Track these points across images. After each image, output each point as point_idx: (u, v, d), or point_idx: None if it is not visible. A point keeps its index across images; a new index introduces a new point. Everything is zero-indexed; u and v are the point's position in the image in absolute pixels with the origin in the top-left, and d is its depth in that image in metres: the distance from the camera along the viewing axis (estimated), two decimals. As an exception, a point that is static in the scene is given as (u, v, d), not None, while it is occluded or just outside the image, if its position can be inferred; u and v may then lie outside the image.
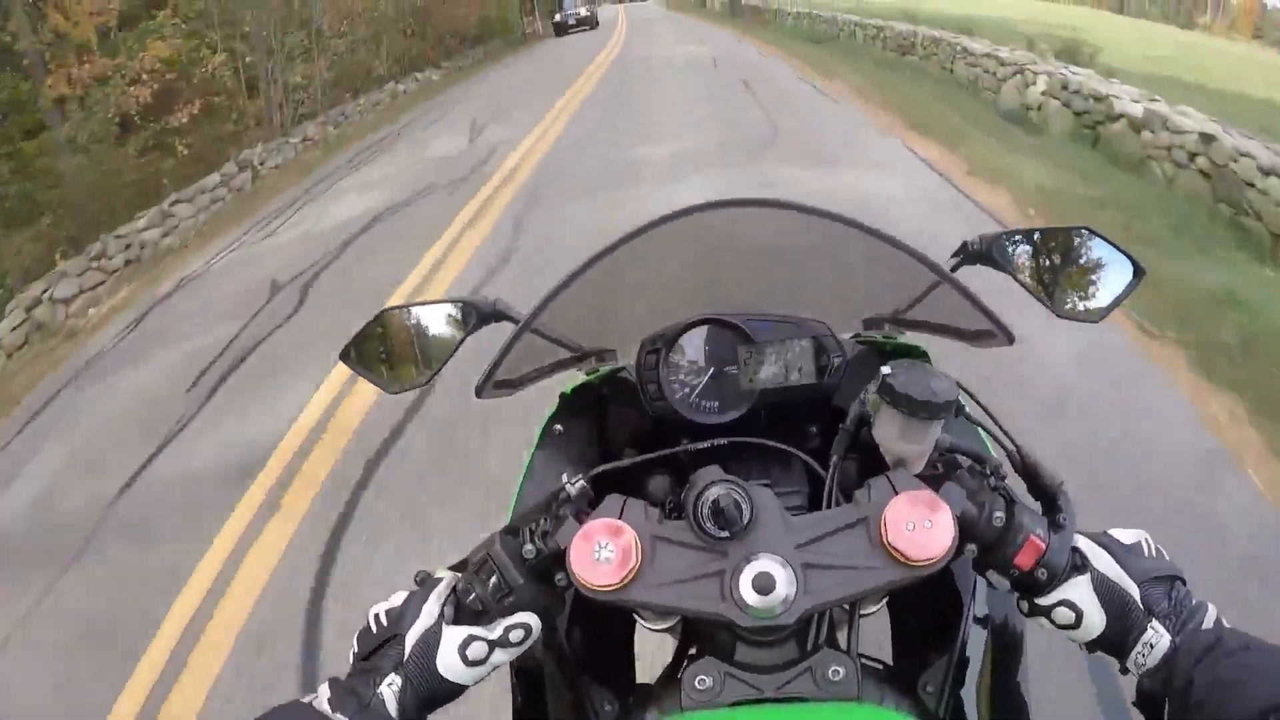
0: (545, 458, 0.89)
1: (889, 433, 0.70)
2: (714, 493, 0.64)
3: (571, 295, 0.82)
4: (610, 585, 0.63)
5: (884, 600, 0.87)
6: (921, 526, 0.62)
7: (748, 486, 0.65)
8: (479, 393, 0.85)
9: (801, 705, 0.64)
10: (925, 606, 0.87)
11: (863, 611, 0.84)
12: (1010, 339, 0.80)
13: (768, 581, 0.62)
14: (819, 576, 0.63)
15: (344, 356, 1.00)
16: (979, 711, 0.83)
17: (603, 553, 0.64)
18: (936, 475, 0.70)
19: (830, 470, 0.74)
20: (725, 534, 0.64)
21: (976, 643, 0.87)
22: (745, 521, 0.64)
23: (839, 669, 0.65)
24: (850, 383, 0.81)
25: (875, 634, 0.95)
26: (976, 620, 0.87)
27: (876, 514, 0.64)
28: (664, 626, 0.85)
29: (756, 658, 0.67)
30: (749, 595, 0.62)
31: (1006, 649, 0.89)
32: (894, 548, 0.62)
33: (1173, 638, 0.64)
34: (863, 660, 0.77)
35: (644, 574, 0.64)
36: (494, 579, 0.69)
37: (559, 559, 0.68)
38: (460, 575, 0.71)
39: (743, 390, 0.82)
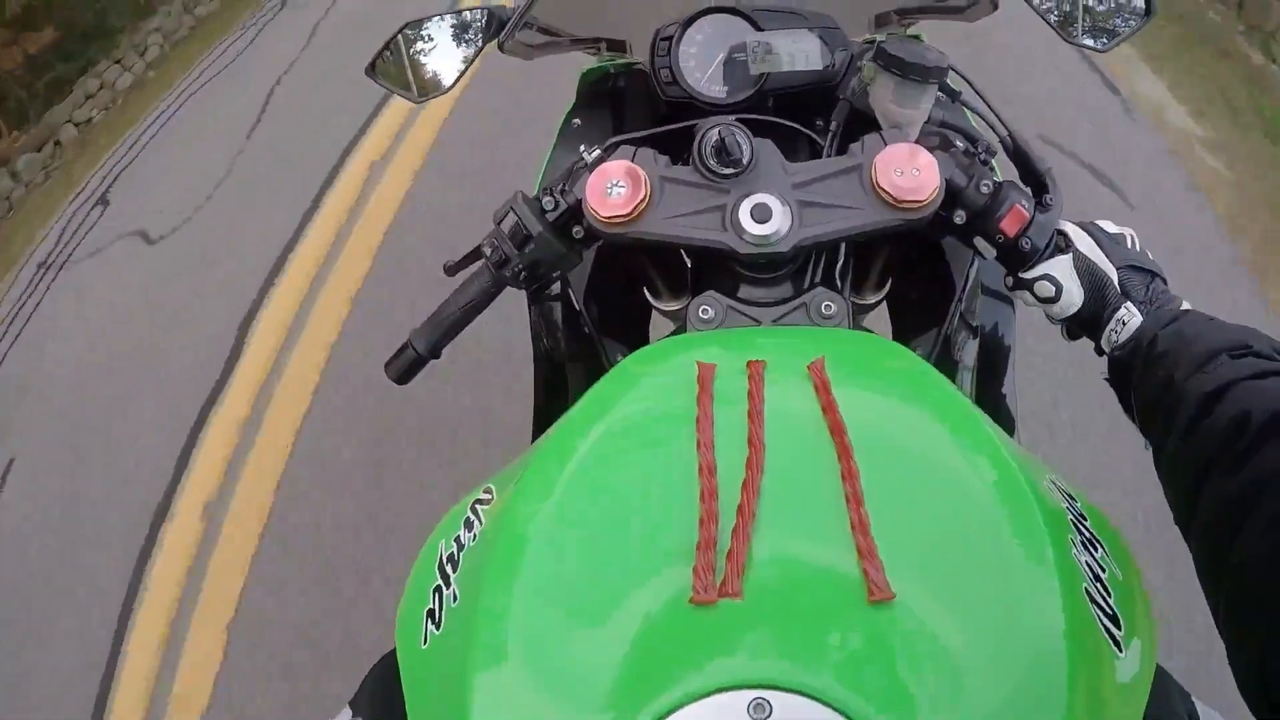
0: (564, 148, 0.95)
1: (883, 97, 0.75)
2: (717, 132, 0.69)
3: None
4: (620, 217, 0.70)
5: (884, 290, 0.94)
6: (909, 173, 0.68)
7: (749, 133, 0.70)
8: (501, 46, 0.89)
9: (794, 328, 0.72)
10: (924, 303, 0.94)
11: (862, 299, 0.91)
12: (995, 4, 0.83)
13: (765, 212, 0.68)
14: (813, 213, 0.70)
15: (369, 71, 1.04)
16: None
17: (614, 189, 0.70)
18: (930, 147, 0.75)
19: (829, 136, 0.79)
20: (727, 171, 0.70)
21: (967, 350, 0.95)
22: (746, 160, 0.69)
23: (830, 304, 0.72)
24: (855, 74, 0.85)
25: (876, 326, 1.02)
26: (967, 327, 0.95)
27: (868, 161, 0.69)
28: (674, 308, 0.93)
29: (756, 294, 0.74)
30: (748, 224, 0.68)
31: (994, 358, 0.97)
32: (883, 190, 0.68)
33: (1143, 317, 0.69)
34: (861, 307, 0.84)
35: (652, 209, 0.70)
36: (515, 229, 0.76)
37: (576, 212, 0.75)
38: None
39: (751, 76, 0.86)
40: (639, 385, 0.64)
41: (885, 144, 0.70)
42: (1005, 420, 0.96)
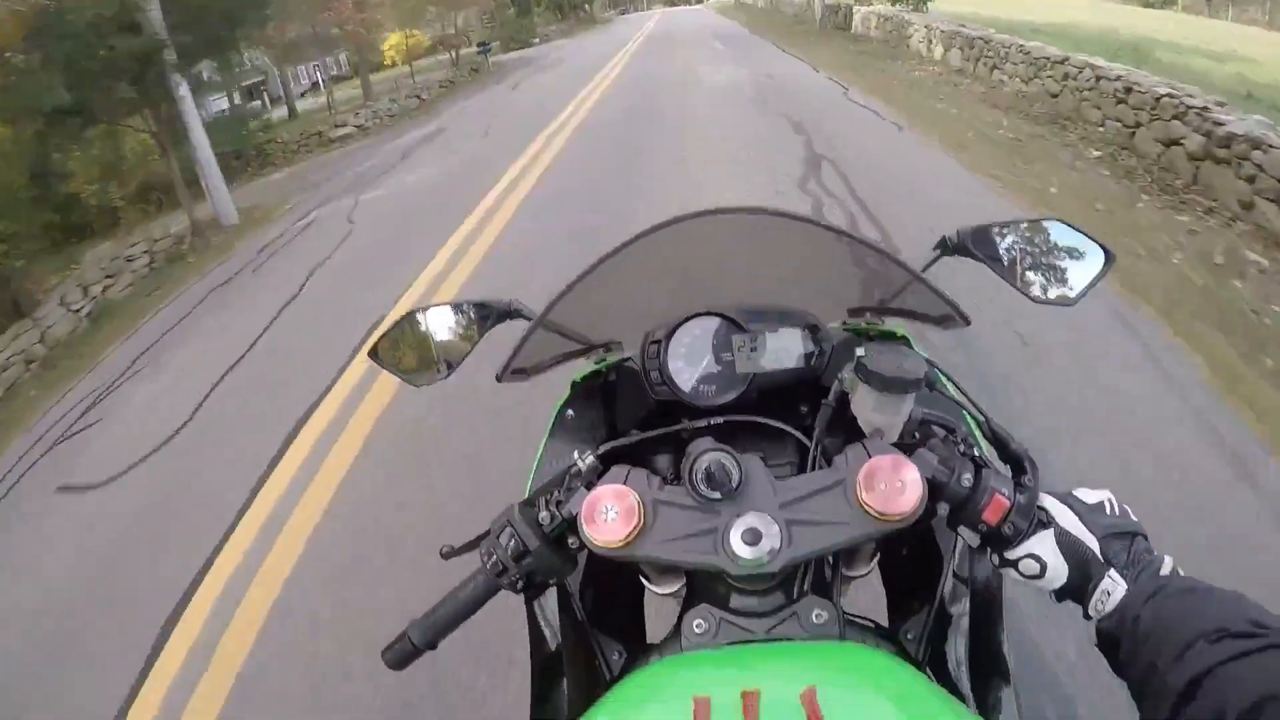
0: (558, 442, 0.98)
1: (864, 406, 0.78)
2: (707, 459, 0.72)
3: (580, 294, 0.90)
4: (616, 542, 0.71)
5: (874, 562, 0.95)
6: (892, 486, 0.70)
7: (737, 454, 0.73)
8: (499, 378, 0.94)
9: (787, 643, 0.72)
10: (913, 569, 0.94)
11: (851, 572, 0.92)
12: (967, 321, 0.88)
13: (755, 535, 0.70)
14: (801, 531, 0.71)
15: (372, 354, 1.10)
16: (961, 666, 0.90)
17: (609, 514, 0.72)
18: (910, 444, 0.78)
19: (814, 441, 0.82)
20: (717, 495, 0.72)
21: (959, 603, 0.94)
22: (735, 484, 0.72)
23: (822, 612, 0.73)
24: (836, 367, 0.89)
25: (871, 600, 1.02)
26: (958, 580, 0.94)
27: (852, 475, 0.72)
28: (669, 591, 0.93)
29: (748, 605, 0.75)
30: (739, 547, 0.70)
31: (987, 608, 0.96)
32: (867, 504, 0.70)
33: (1128, 585, 0.70)
34: (853, 617, 0.85)
35: (647, 533, 0.72)
36: (513, 542, 0.78)
37: (571, 525, 0.77)
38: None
39: (738, 375, 0.90)
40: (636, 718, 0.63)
41: (869, 456, 0.72)
42: (1001, 669, 0.94)
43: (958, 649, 0.91)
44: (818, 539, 0.71)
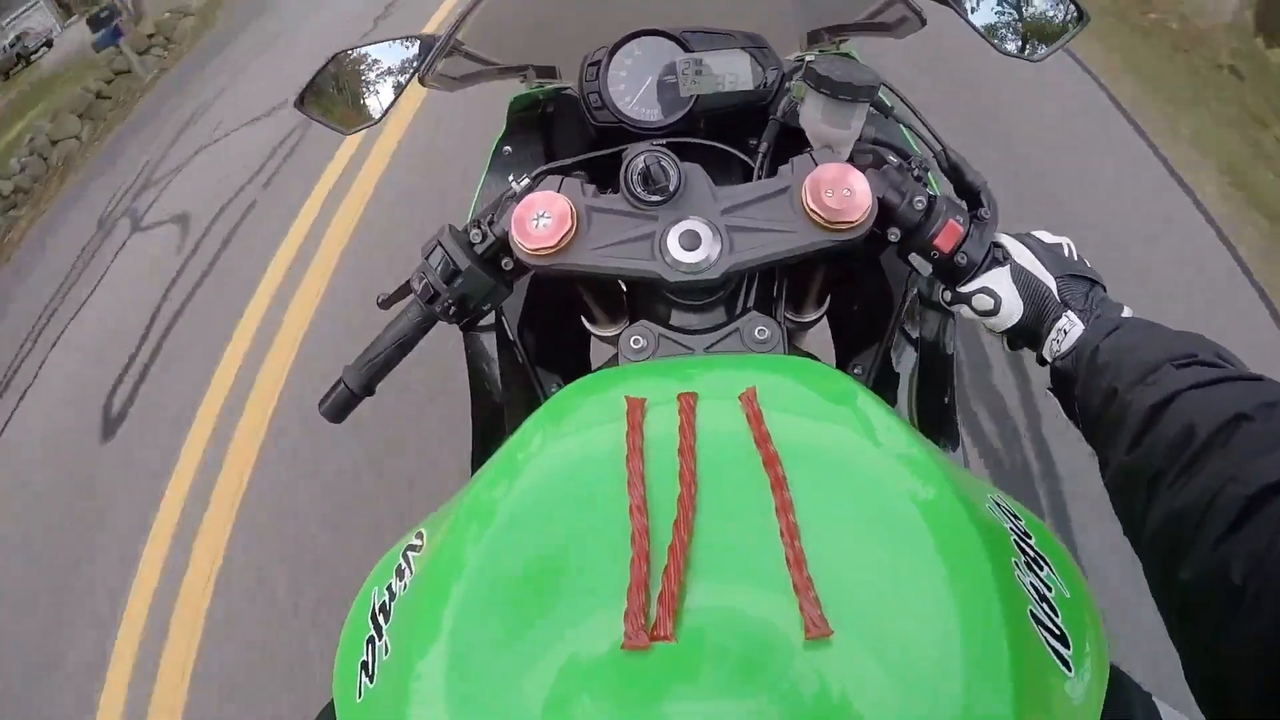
0: (495, 178, 0.93)
1: (813, 117, 0.74)
2: (644, 159, 0.68)
3: (513, 10, 0.83)
4: (547, 248, 0.68)
5: (823, 308, 0.93)
6: (840, 193, 0.67)
7: (676, 158, 0.69)
8: (422, 80, 0.87)
9: (727, 355, 0.70)
10: (863, 318, 0.93)
11: (800, 318, 0.90)
12: (923, 21, 0.83)
13: (694, 239, 0.67)
14: (743, 237, 0.68)
15: (299, 104, 1.02)
16: (910, 420, 0.90)
17: (540, 220, 0.68)
18: (862, 164, 0.74)
19: (759, 157, 0.78)
20: (655, 198, 0.68)
21: (908, 360, 0.94)
22: (674, 186, 0.68)
23: (764, 329, 0.70)
24: (786, 96, 0.84)
25: (818, 349, 1.01)
26: (907, 339, 0.94)
27: (798, 183, 0.68)
28: (611, 333, 0.91)
29: (688, 321, 0.73)
30: (676, 252, 0.67)
31: (936, 369, 0.96)
32: (814, 212, 0.67)
33: (1084, 325, 0.68)
34: (799, 350, 0.83)
35: (580, 240, 0.69)
36: (443, 264, 0.74)
37: (504, 244, 0.73)
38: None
39: (682, 98, 0.84)
40: (568, 423, 0.61)
41: (815, 164, 0.69)
42: (949, 431, 0.95)
43: (906, 408, 0.92)
44: (761, 246, 0.68)
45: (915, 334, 0.94)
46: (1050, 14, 1.03)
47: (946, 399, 0.98)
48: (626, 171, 0.68)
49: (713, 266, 0.67)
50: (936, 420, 0.96)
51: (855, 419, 0.58)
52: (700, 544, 0.48)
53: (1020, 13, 1.03)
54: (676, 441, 0.53)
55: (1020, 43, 1.01)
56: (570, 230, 0.68)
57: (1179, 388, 0.54)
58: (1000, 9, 1.01)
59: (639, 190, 0.68)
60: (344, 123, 1.02)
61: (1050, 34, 1.02)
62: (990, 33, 0.99)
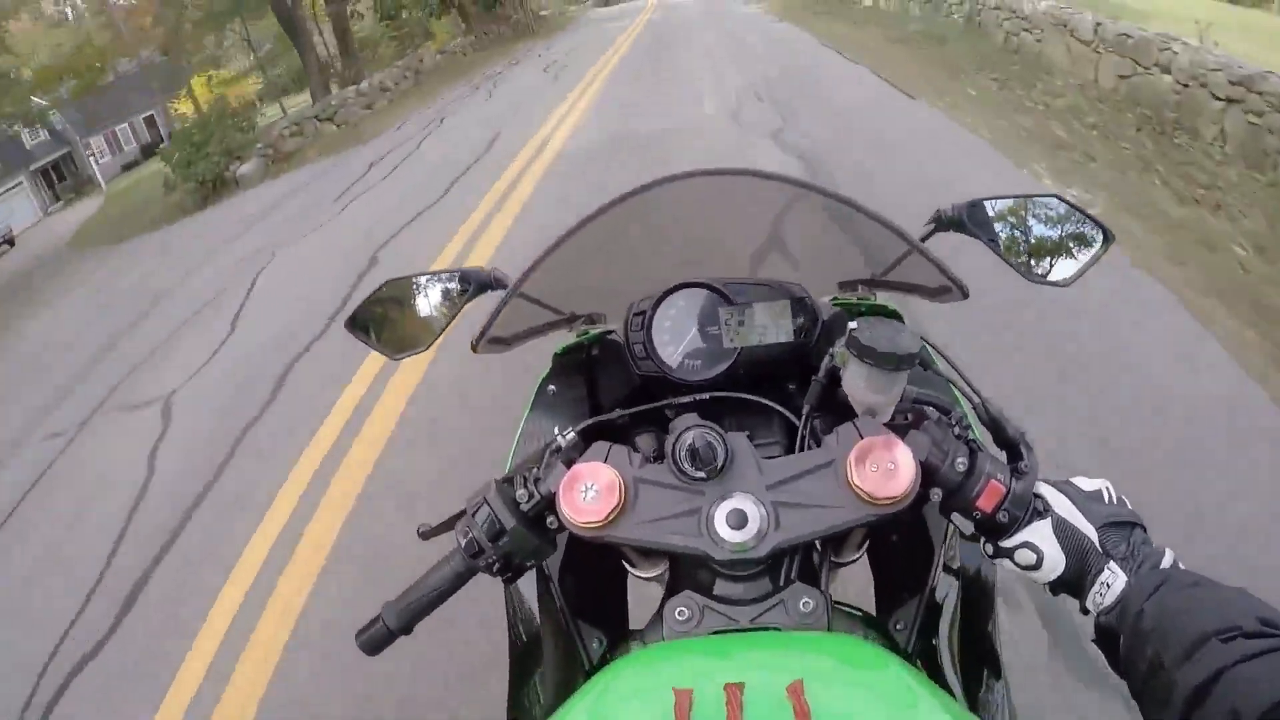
0: (538, 417, 0.95)
1: (856, 383, 0.75)
2: (691, 436, 0.69)
3: (562, 262, 0.87)
4: (595, 522, 0.68)
5: (863, 549, 0.92)
6: (884, 467, 0.67)
7: (723, 432, 0.70)
8: (475, 348, 0.90)
9: (773, 632, 0.69)
10: (903, 558, 0.92)
11: (840, 559, 0.90)
12: (965, 294, 0.85)
13: (741, 518, 0.67)
14: (789, 513, 0.68)
15: (349, 325, 1.06)
16: (951, 656, 0.88)
17: (589, 493, 0.69)
18: (904, 425, 0.75)
19: (803, 419, 0.79)
20: (702, 474, 0.69)
21: (949, 593, 0.92)
22: (721, 463, 0.69)
23: (809, 600, 0.69)
24: (826, 343, 0.86)
25: (860, 589, 1.00)
26: (948, 571, 0.92)
27: (843, 456, 0.69)
28: (652, 575, 0.91)
29: (733, 592, 0.72)
30: (724, 530, 0.67)
31: (978, 600, 0.94)
32: (859, 487, 0.67)
33: (1128, 577, 0.67)
34: (841, 606, 0.82)
35: (627, 513, 0.69)
36: (489, 522, 0.75)
37: (550, 503, 0.74)
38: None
39: (724, 349, 0.87)
40: (614, 715, 0.60)
41: (860, 436, 0.69)
42: (992, 663, 0.92)
43: (948, 641, 0.90)
44: (807, 523, 0.68)
45: (955, 565, 0.93)
46: (1075, 234, 1.06)
47: (990, 628, 0.96)
48: (675, 448, 0.70)
49: (760, 545, 0.67)
50: (979, 652, 0.93)
51: (903, 709, 0.57)
52: None
53: (1042, 237, 1.06)
54: None
55: (1044, 267, 1.04)
56: (618, 505, 0.68)
57: (1223, 665, 0.54)
58: (1027, 239, 1.04)
59: (686, 466, 0.69)
60: (393, 348, 1.05)
61: (1078, 254, 1.04)
62: (1016, 259, 1.01)
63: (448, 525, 0.80)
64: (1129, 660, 0.64)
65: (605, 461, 0.71)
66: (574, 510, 0.69)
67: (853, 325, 0.75)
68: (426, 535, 0.83)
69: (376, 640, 0.80)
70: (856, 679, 0.62)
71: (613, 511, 0.68)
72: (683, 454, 0.69)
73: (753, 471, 0.70)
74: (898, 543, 0.92)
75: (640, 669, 0.65)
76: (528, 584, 0.90)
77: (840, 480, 0.69)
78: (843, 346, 0.76)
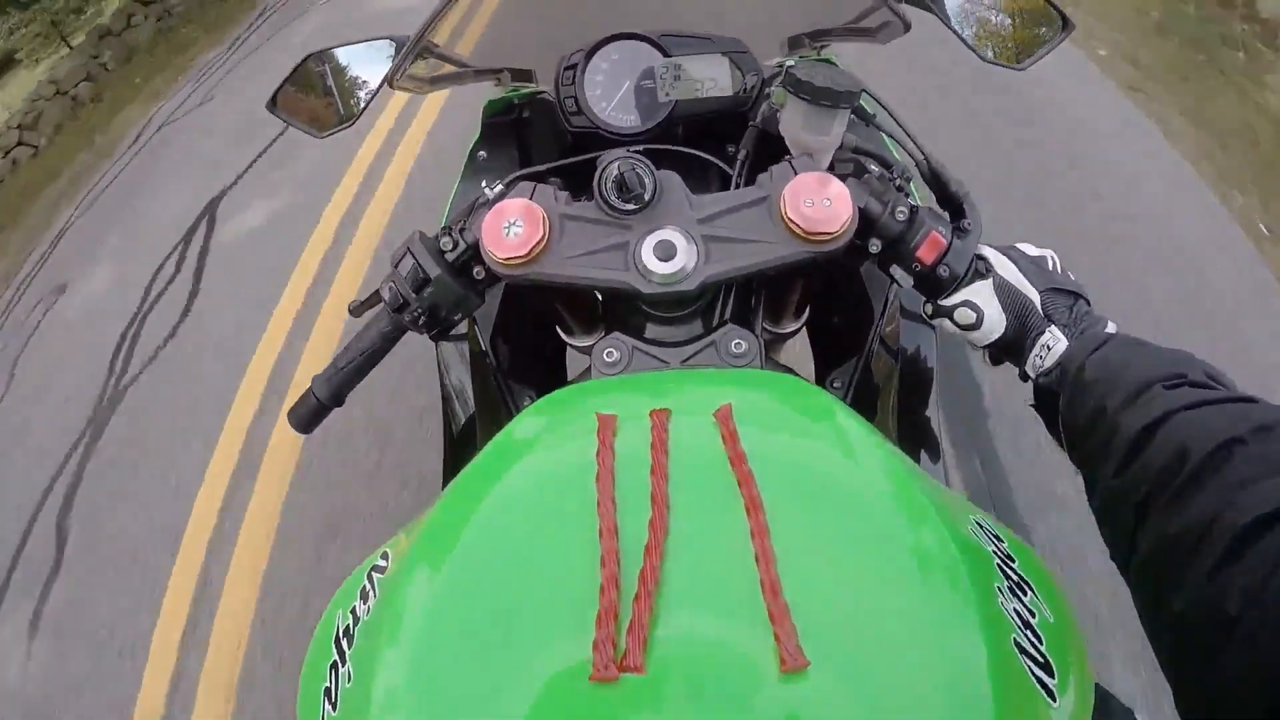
0: (469, 184, 0.91)
1: (793, 122, 0.72)
2: (618, 166, 0.66)
3: (488, 14, 0.81)
4: (518, 258, 0.66)
5: (802, 320, 0.92)
6: (820, 203, 0.65)
7: (652, 165, 0.67)
8: (390, 83, 0.85)
9: (703, 370, 0.68)
10: (843, 331, 0.91)
11: (779, 329, 0.89)
12: (907, 26, 0.82)
13: (669, 249, 0.65)
14: (720, 247, 0.66)
15: (270, 105, 0.99)
16: (890, 437, 0.88)
17: (512, 229, 0.66)
18: (842, 174, 0.73)
19: (738, 165, 0.76)
20: (629, 206, 0.66)
21: (889, 373, 0.93)
22: (649, 195, 0.66)
23: (741, 341, 0.69)
24: (765, 103, 0.82)
25: (797, 361, 1.00)
26: (888, 350, 0.92)
27: (777, 192, 0.67)
28: (587, 344, 0.90)
29: (663, 334, 0.71)
30: (652, 263, 0.65)
31: (916, 382, 0.95)
32: (793, 222, 0.65)
33: (1069, 340, 0.66)
34: (777, 364, 0.82)
35: (552, 248, 0.67)
36: (413, 270, 0.72)
37: (475, 251, 0.71)
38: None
39: (659, 103, 0.83)
40: (537, 440, 0.59)
41: (795, 173, 0.67)
42: (930, 445, 0.93)
43: (885, 419, 0.90)
44: (739, 257, 0.66)
45: (895, 347, 0.93)
46: (1034, 20, 1.03)
47: (927, 411, 0.97)
48: (600, 179, 0.67)
49: (689, 278, 0.65)
50: (917, 433, 0.95)
51: (834, 437, 0.56)
52: (672, 570, 0.46)
53: (1001, 20, 1.02)
54: (649, 461, 0.51)
55: (1001, 50, 1.00)
56: (542, 239, 0.66)
57: (1169, 409, 0.53)
58: (983, 16, 1.00)
59: (613, 198, 0.66)
60: (318, 126, 0.99)
61: (1034, 41, 1.01)
62: (974, 40, 0.98)
63: (377, 298, 0.77)
64: (1069, 417, 0.63)
65: (530, 198, 0.68)
66: (496, 246, 0.66)
67: (790, 63, 0.71)
68: (357, 310, 0.80)
69: (308, 415, 0.78)
70: (788, 407, 0.61)
71: (536, 246, 0.66)
72: (609, 185, 0.66)
73: (683, 205, 0.68)
74: (837, 310, 0.91)
75: (563, 399, 0.64)
76: (462, 352, 0.89)
77: (774, 216, 0.67)
78: (779, 84, 0.73)
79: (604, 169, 0.67)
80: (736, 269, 0.66)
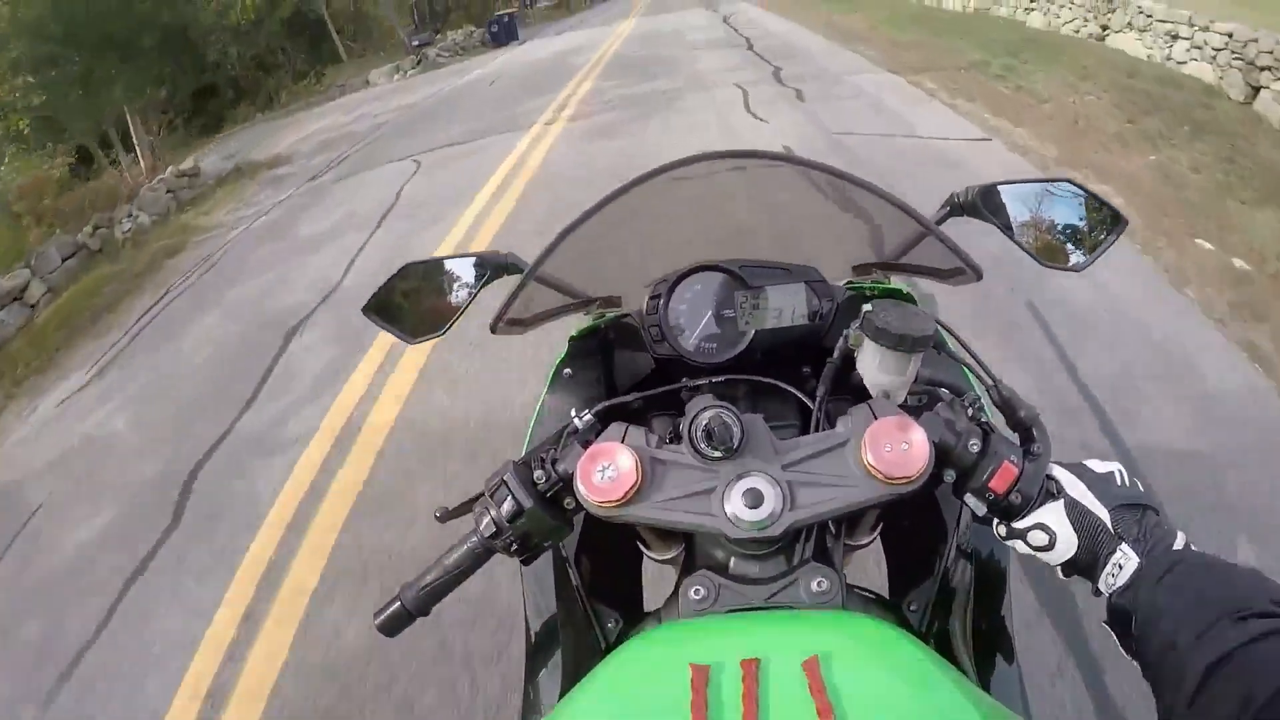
0: (555, 400, 0.96)
1: (871, 365, 0.76)
2: (707, 416, 0.70)
3: (578, 245, 0.87)
4: (612, 501, 0.69)
5: (876, 531, 0.93)
6: (898, 448, 0.68)
7: (739, 412, 0.71)
8: (494, 329, 0.91)
9: (789, 612, 0.70)
10: (916, 540, 0.93)
11: (854, 542, 0.91)
12: (979, 275, 0.86)
13: (756, 497, 0.68)
14: (804, 492, 0.69)
15: (366, 310, 1.07)
16: (965, 639, 0.88)
17: (605, 472, 0.70)
18: (917, 407, 0.76)
19: (818, 401, 0.80)
20: (718, 454, 0.70)
21: (963, 577, 0.93)
22: (736, 443, 0.70)
23: (824, 580, 0.71)
24: (841, 326, 0.87)
25: (873, 573, 1.01)
26: (962, 554, 0.93)
27: (857, 436, 0.70)
28: (667, 557, 0.92)
29: (748, 571, 0.73)
30: (739, 509, 0.68)
31: (991, 583, 0.95)
32: (873, 467, 0.68)
33: (1140, 559, 0.67)
34: (856, 588, 0.83)
35: (643, 492, 0.70)
36: (507, 503, 0.76)
37: (567, 484, 0.75)
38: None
39: (739, 332, 0.88)
40: (631, 690, 0.61)
41: (875, 417, 0.70)
42: (1005, 646, 0.93)
43: (961, 624, 0.90)
44: (822, 501, 0.69)
45: (969, 549, 0.93)
46: (1090, 220, 1.06)
47: (1003, 611, 0.96)
48: (691, 427, 0.71)
49: (775, 523, 0.68)
50: (992, 635, 0.94)
51: (918, 689, 0.58)
52: None
53: (1055, 222, 1.05)
54: (740, 710, 0.53)
55: (1057, 252, 1.04)
56: (635, 484, 0.70)
57: (1235, 645, 0.55)
58: (1040, 223, 1.04)
59: (702, 446, 0.70)
60: (410, 332, 1.06)
61: (1092, 241, 1.05)
62: (1029, 244, 1.01)
63: (465, 508, 0.82)
64: (1141, 640, 0.64)
65: (622, 442, 0.72)
66: (591, 490, 0.70)
67: (867, 308, 0.76)
68: (444, 518, 0.84)
69: (394, 622, 0.81)
70: (872, 656, 0.63)
71: (630, 491, 0.69)
72: (699, 433, 0.70)
73: (768, 451, 0.71)
74: (911, 526, 0.93)
75: (656, 645, 0.66)
76: (544, 568, 0.92)
77: (854, 460, 0.69)
78: (857, 329, 0.77)
79: (694, 417, 0.71)
80: (819, 514, 0.69)
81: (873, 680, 0.60)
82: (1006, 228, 1.01)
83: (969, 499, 0.74)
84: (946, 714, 0.55)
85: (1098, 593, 0.71)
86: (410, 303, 1.08)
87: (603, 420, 0.79)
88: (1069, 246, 1.04)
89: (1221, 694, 0.53)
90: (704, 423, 0.70)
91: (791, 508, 0.69)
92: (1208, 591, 0.61)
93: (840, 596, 0.71)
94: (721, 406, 0.71)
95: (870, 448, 0.68)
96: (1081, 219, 1.06)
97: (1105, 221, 1.04)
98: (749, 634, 0.66)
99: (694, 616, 0.72)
